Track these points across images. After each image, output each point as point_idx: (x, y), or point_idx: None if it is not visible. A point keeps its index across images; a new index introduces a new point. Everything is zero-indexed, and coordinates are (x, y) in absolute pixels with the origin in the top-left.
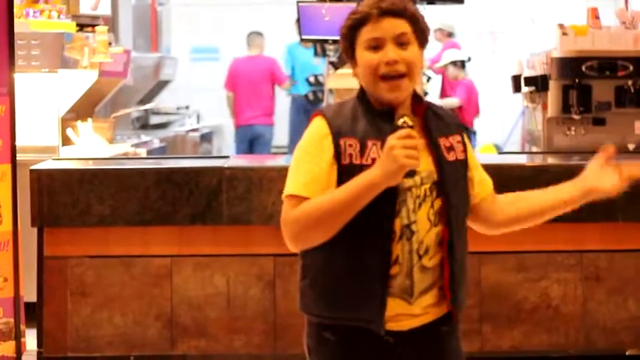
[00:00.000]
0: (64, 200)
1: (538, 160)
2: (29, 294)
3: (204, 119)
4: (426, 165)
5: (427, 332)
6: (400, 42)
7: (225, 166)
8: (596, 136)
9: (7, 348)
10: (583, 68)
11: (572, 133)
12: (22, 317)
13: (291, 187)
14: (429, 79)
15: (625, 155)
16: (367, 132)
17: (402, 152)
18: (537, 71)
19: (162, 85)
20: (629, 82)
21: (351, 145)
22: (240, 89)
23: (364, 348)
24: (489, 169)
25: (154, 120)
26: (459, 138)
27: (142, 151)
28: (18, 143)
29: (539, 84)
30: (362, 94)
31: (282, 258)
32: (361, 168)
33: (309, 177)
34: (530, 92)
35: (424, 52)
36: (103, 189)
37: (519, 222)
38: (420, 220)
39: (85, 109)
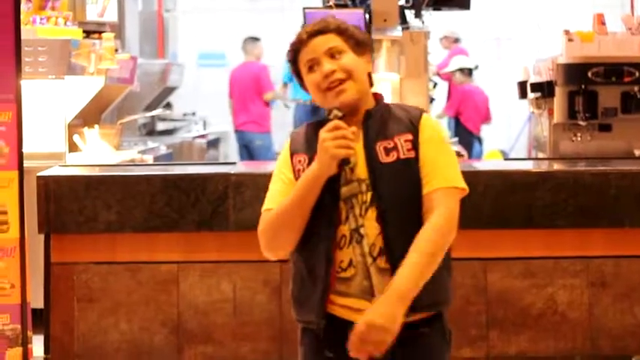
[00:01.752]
0: (70, 207)
1: (544, 166)
2: (36, 300)
3: (210, 125)
4: (365, 171)
5: (402, 331)
6: (332, 54)
7: (232, 172)
8: (603, 142)
9: (14, 354)
10: (589, 74)
11: (579, 139)
12: (29, 323)
13: (264, 203)
14: (435, 85)
15: (631, 161)
16: (317, 147)
17: (331, 143)
18: (543, 77)
19: (168, 91)
20: (636, 88)
21: (300, 161)
22: (234, 96)
23: (337, 338)
24: (495, 175)
25: (161, 126)
26: (408, 137)
27: (149, 158)
28: (25, 150)
29: (545, 90)
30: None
31: (288, 264)
32: None
33: (276, 192)
34: (536, 98)
35: (367, 58)
36: (110, 195)
37: None
38: (368, 224)
39: (91, 115)
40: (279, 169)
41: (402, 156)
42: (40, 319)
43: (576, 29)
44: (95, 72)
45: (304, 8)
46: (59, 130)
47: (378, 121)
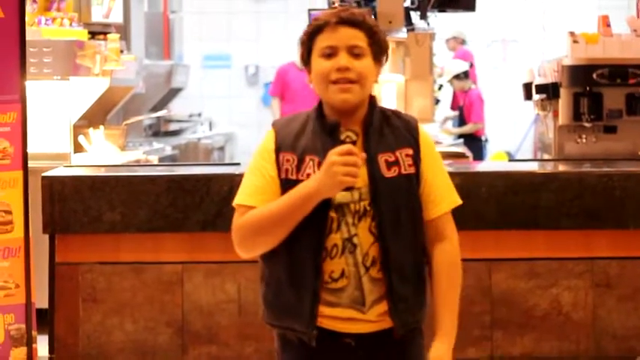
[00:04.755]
0: (75, 207)
1: (548, 168)
2: (41, 300)
3: (216, 126)
4: (364, 181)
5: (387, 337)
6: (354, 52)
7: (236, 173)
8: (607, 143)
9: (19, 354)
10: (594, 76)
11: (584, 140)
12: (33, 323)
13: (238, 197)
14: (440, 86)
15: (636, 163)
16: (307, 148)
17: (341, 169)
18: (548, 79)
19: (174, 92)
20: None
21: (288, 160)
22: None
23: (326, 349)
24: (500, 176)
25: (166, 127)
26: (409, 151)
27: (154, 159)
28: (30, 150)
29: (550, 92)
30: (318, 107)
31: None
32: (296, 183)
33: (254, 188)
34: (542, 100)
35: (380, 67)
36: (114, 196)
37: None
38: (361, 233)
39: (96, 116)
40: (259, 162)
41: (403, 171)
42: (44, 319)
43: (581, 31)
44: (100, 73)
45: (309, 10)
46: (64, 130)
47: (378, 129)
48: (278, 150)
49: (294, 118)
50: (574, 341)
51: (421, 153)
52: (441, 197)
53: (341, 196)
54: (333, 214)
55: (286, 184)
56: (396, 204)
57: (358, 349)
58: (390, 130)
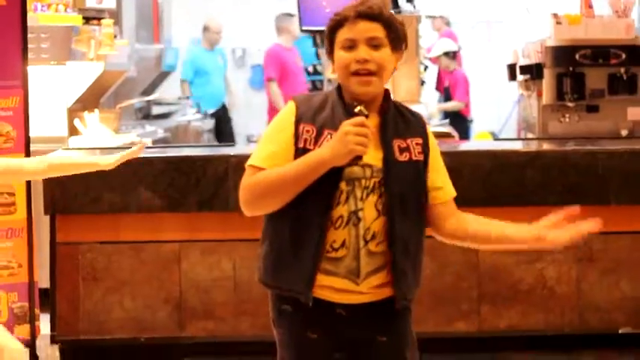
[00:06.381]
0: (75, 188)
1: (533, 146)
2: (43, 279)
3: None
4: (376, 161)
5: (378, 308)
6: (372, 44)
7: (232, 154)
8: (590, 122)
9: (22, 331)
10: (577, 56)
11: (567, 119)
12: (36, 302)
13: (252, 158)
14: (425, 68)
15: (618, 141)
16: (326, 122)
17: (353, 139)
18: (532, 60)
19: (164, 75)
20: (622, 70)
21: (308, 131)
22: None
23: (319, 319)
24: (485, 155)
25: (156, 110)
26: (419, 140)
27: (148, 141)
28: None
29: (534, 72)
30: (339, 88)
31: None
32: None
33: (269, 152)
34: (525, 80)
35: (400, 54)
36: (113, 177)
37: (472, 240)
38: (367, 208)
39: (90, 100)
40: (278, 131)
41: (413, 157)
42: (47, 298)
43: (564, 12)
44: (95, 58)
45: None
46: (61, 114)
47: (393, 118)
48: (298, 121)
49: (312, 95)
50: (558, 314)
51: (429, 144)
52: (446, 184)
53: (353, 171)
54: (343, 187)
55: (302, 153)
56: (404, 185)
57: (350, 319)
58: (402, 120)
